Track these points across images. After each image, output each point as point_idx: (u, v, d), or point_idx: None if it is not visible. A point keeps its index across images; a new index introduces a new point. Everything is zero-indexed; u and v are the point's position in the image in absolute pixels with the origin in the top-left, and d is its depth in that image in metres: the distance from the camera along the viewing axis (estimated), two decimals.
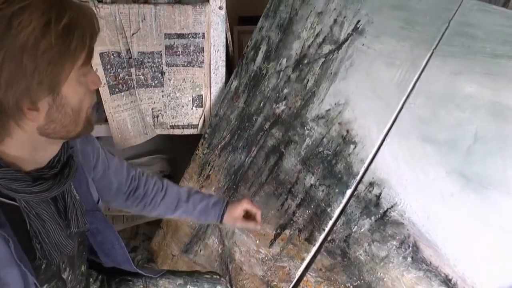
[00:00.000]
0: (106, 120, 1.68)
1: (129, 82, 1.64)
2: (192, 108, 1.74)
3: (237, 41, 2.21)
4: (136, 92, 1.67)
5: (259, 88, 1.48)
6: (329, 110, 1.25)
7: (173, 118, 1.75)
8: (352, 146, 1.18)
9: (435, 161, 1.02)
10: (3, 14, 0.61)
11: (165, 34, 1.54)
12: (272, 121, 1.43)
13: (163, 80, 1.65)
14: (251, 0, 2.22)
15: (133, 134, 1.69)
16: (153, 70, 1.63)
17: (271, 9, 1.51)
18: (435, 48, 1.04)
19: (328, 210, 1.22)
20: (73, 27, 0.66)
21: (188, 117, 1.75)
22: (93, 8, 1.42)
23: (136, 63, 1.60)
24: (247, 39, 2.10)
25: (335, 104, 1.24)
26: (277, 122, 1.41)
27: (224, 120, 1.62)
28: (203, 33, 1.56)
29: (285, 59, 1.41)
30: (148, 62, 1.61)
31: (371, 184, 1.13)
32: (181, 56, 1.60)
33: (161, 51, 1.58)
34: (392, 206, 1.09)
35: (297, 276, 1.32)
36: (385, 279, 1.11)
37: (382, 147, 1.12)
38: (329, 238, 1.22)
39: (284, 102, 1.39)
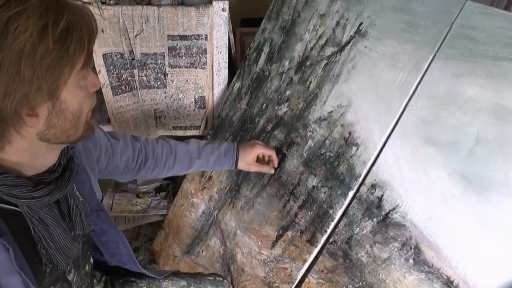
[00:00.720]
0: (109, 121, 1.69)
1: (132, 83, 1.65)
2: (194, 110, 1.74)
3: (239, 43, 2.21)
4: (139, 93, 1.67)
5: (261, 90, 1.48)
6: (331, 112, 1.25)
7: (175, 119, 1.76)
8: (354, 148, 1.18)
9: (437, 163, 1.02)
10: (0, 19, 0.59)
11: (168, 35, 1.55)
12: (274, 123, 1.43)
13: (165, 81, 1.66)
14: (253, 2, 2.22)
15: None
16: (156, 71, 1.63)
17: (274, 11, 1.51)
18: (437, 50, 1.04)
19: (330, 211, 1.22)
20: (71, 30, 0.64)
21: (191, 118, 1.75)
22: (97, 10, 1.43)
23: (139, 64, 1.60)
24: (249, 41, 2.10)
25: (338, 106, 1.24)
26: (279, 123, 1.42)
27: (227, 121, 1.62)
28: (206, 35, 1.56)
29: (287, 61, 1.42)
30: (151, 63, 1.61)
31: (373, 186, 1.13)
32: (184, 57, 1.61)
33: (164, 53, 1.59)
34: (394, 208, 1.09)
35: (298, 278, 1.32)
36: (386, 281, 1.11)
37: (384, 149, 1.12)
38: (331, 240, 1.22)
39: (286, 104, 1.40)
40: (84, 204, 0.88)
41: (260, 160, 1.36)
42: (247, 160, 1.30)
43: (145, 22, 1.50)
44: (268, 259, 1.42)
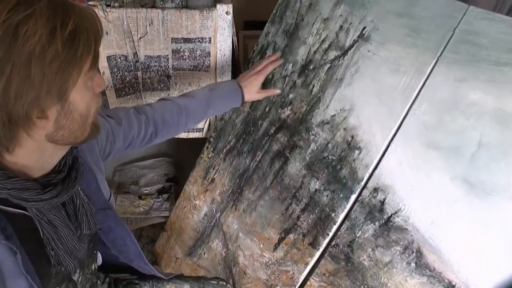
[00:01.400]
0: None
1: (135, 85, 1.65)
2: None
3: (243, 46, 2.22)
4: (142, 95, 1.68)
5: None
6: (334, 115, 1.26)
7: None
8: (357, 152, 1.19)
9: (439, 167, 1.03)
10: (9, 24, 0.59)
11: (172, 38, 1.55)
12: (277, 126, 1.44)
13: (169, 83, 1.67)
14: (256, 5, 2.23)
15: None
16: (160, 73, 1.64)
17: (278, 15, 1.51)
18: (440, 55, 1.05)
19: (333, 215, 1.23)
20: (78, 32, 0.65)
21: None
22: (102, 12, 1.44)
23: (142, 66, 1.61)
24: (252, 43, 2.11)
25: (340, 109, 1.24)
26: (282, 127, 1.42)
27: (229, 124, 1.63)
28: (210, 38, 1.57)
29: (291, 65, 1.42)
30: (155, 65, 1.62)
31: (376, 189, 1.14)
32: (187, 60, 1.62)
33: (167, 55, 1.59)
34: (396, 212, 1.10)
35: (300, 281, 1.32)
36: (388, 285, 1.12)
37: (386, 153, 1.13)
38: (333, 243, 1.23)
39: (289, 107, 1.40)
40: (89, 204, 0.88)
41: None
42: (253, 91, 1.38)
43: (149, 25, 1.51)
44: (270, 262, 1.42)
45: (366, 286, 1.16)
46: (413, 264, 1.07)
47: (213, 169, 1.67)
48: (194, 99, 1.28)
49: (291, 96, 1.40)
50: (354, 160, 1.19)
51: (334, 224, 1.22)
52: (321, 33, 1.34)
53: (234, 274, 1.56)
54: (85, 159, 0.92)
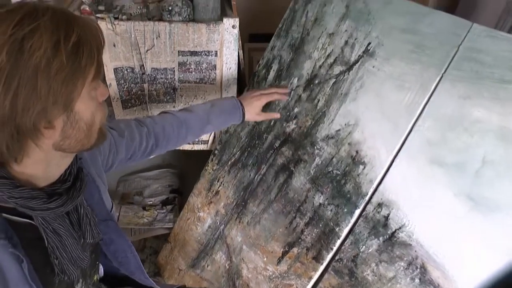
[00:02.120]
0: None
1: (141, 97, 1.67)
2: None
3: (247, 58, 2.24)
4: (148, 107, 1.70)
5: (269, 107, 1.50)
6: (339, 130, 1.27)
7: None
8: (361, 167, 1.19)
9: (443, 184, 1.03)
10: (15, 38, 0.61)
11: (178, 51, 1.57)
12: (282, 140, 1.45)
13: (175, 96, 1.68)
14: (261, 18, 2.25)
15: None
16: (166, 86, 1.65)
17: (283, 29, 1.53)
18: (444, 72, 1.05)
19: (337, 229, 1.23)
20: (81, 44, 0.67)
21: None
22: (110, 25, 1.46)
23: (149, 78, 1.62)
24: (257, 56, 2.13)
25: (345, 124, 1.25)
26: (287, 140, 1.43)
27: (234, 137, 1.64)
28: (216, 51, 1.58)
29: (296, 79, 1.43)
30: (161, 78, 1.63)
31: (380, 204, 1.14)
32: (193, 73, 1.63)
33: (174, 68, 1.61)
34: (400, 227, 1.10)
35: None
36: None
37: (391, 169, 1.13)
38: (337, 258, 1.23)
39: (294, 121, 1.41)
40: (92, 214, 0.90)
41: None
42: (253, 112, 1.38)
43: (157, 38, 1.53)
44: (273, 275, 1.42)
45: None
46: (417, 280, 1.07)
47: (218, 181, 1.68)
48: (194, 114, 1.30)
49: (296, 110, 1.41)
50: (358, 175, 1.20)
51: (338, 238, 1.22)
52: (327, 47, 1.35)
53: (238, 287, 1.56)
54: (88, 171, 0.94)
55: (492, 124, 0.96)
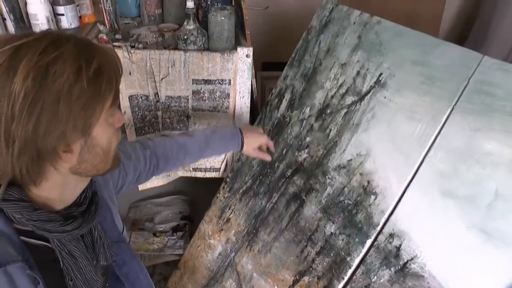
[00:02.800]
0: None
1: (155, 124, 1.69)
2: None
3: (260, 87, 2.27)
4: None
5: (282, 136, 1.51)
6: (350, 160, 1.28)
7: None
8: (372, 197, 1.20)
9: (456, 216, 1.03)
10: (40, 65, 0.64)
11: (193, 79, 1.60)
12: (294, 169, 1.46)
13: (188, 123, 1.70)
14: (274, 47, 2.29)
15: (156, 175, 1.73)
16: (179, 114, 1.68)
17: (296, 59, 1.56)
18: (455, 104, 1.07)
19: (348, 259, 1.23)
20: (101, 71, 0.70)
21: (211, 160, 1.78)
22: (126, 53, 1.49)
23: (163, 106, 1.65)
24: (270, 84, 2.16)
25: (357, 154, 1.26)
26: (299, 169, 1.44)
27: (246, 165, 1.65)
28: (230, 80, 1.61)
29: (308, 108, 1.45)
30: (175, 106, 1.66)
31: (391, 235, 1.14)
32: (207, 101, 1.66)
33: (188, 96, 1.63)
34: (412, 258, 1.09)
35: None
36: None
37: (402, 199, 1.13)
38: (348, 287, 1.22)
39: (306, 150, 1.42)
40: (105, 236, 0.91)
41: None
42: (252, 146, 1.43)
43: (172, 66, 1.56)
44: None
45: None
46: None
47: (229, 209, 1.68)
48: (193, 139, 1.34)
49: (308, 139, 1.43)
50: (370, 205, 1.20)
51: (350, 268, 1.22)
52: (339, 78, 1.37)
53: None
54: (101, 194, 0.96)
55: (504, 157, 0.97)
